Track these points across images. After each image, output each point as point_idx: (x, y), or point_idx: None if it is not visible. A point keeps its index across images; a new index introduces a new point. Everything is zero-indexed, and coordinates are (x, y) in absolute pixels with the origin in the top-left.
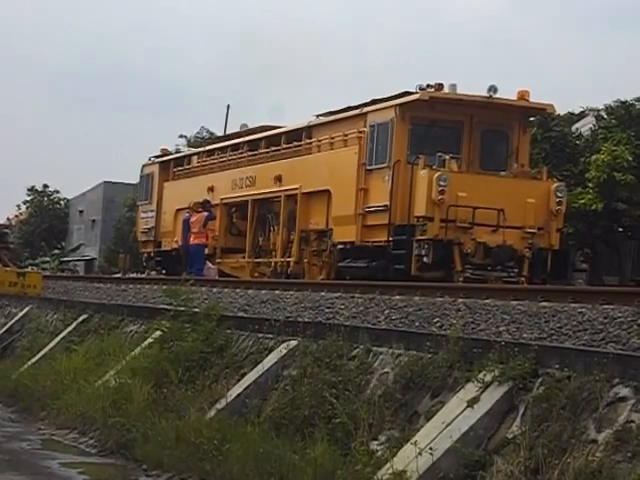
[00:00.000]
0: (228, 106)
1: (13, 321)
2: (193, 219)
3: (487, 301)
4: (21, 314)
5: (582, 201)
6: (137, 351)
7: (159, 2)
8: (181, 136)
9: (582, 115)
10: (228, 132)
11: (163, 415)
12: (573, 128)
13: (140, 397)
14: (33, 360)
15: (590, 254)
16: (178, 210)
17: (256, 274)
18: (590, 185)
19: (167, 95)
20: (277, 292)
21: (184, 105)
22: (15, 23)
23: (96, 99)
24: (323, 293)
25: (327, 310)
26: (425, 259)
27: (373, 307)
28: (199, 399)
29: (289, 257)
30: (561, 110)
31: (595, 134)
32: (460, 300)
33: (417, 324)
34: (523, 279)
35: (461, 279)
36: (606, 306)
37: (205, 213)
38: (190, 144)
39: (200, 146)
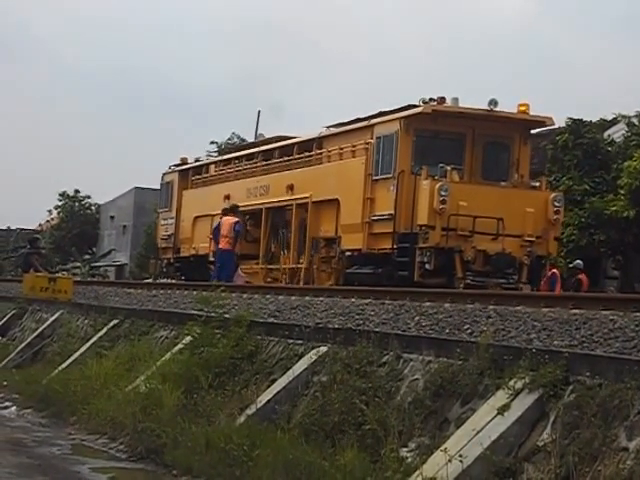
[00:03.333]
0: (259, 112)
1: (44, 326)
2: (223, 223)
3: (518, 308)
4: (52, 319)
5: (614, 208)
6: (167, 356)
7: (191, 8)
8: (212, 142)
9: (614, 122)
10: (257, 139)
11: (193, 421)
12: (605, 135)
13: (170, 403)
14: (64, 365)
15: (622, 261)
16: (196, 217)
17: (269, 279)
18: (622, 192)
19: (199, 101)
20: (307, 298)
21: (216, 111)
22: (50, 26)
23: (129, 104)
24: (353, 299)
25: (357, 316)
26: (427, 266)
27: (403, 313)
28: (229, 405)
29: (300, 264)
30: (593, 117)
31: (628, 141)
32: (491, 307)
33: (447, 331)
34: (522, 285)
35: (462, 285)
36: (638, 313)
37: (235, 219)
38: (221, 150)
39: (221, 154)
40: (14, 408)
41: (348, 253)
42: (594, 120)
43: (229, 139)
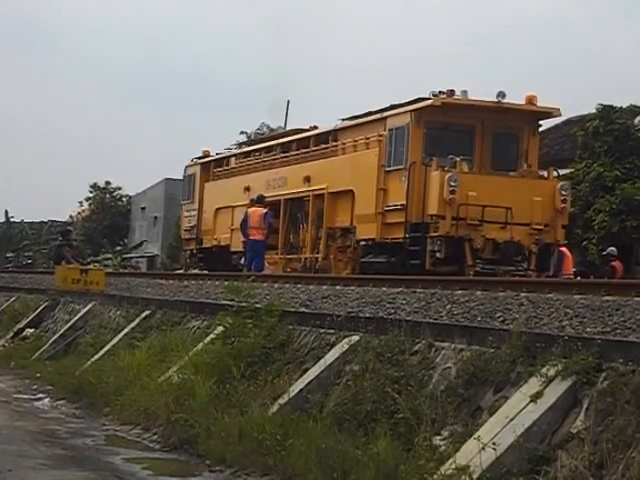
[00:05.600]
0: (288, 102)
1: (76, 317)
2: (250, 213)
3: (550, 295)
4: (84, 310)
5: None
6: (199, 347)
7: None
8: (242, 132)
9: None
10: (288, 128)
11: (226, 411)
12: (636, 121)
13: (203, 393)
14: (96, 356)
15: None
16: (218, 209)
17: (288, 269)
18: None
19: (229, 91)
20: (338, 287)
21: (247, 101)
22: (80, 20)
23: (159, 96)
24: (384, 288)
25: (389, 305)
26: (438, 254)
27: (435, 302)
28: (261, 394)
29: (317, 253)
30: (624, 102)
31: None
32: (523, 294)
33: (479, 319)
34: (530, 272)
35: (472, 273)
36: None
37: (264, 210)
38: (249, 141)
39: (249, 145)
40: (48, 399)
41: (363, 243)
42: (624, 106)
43: (258, 129)
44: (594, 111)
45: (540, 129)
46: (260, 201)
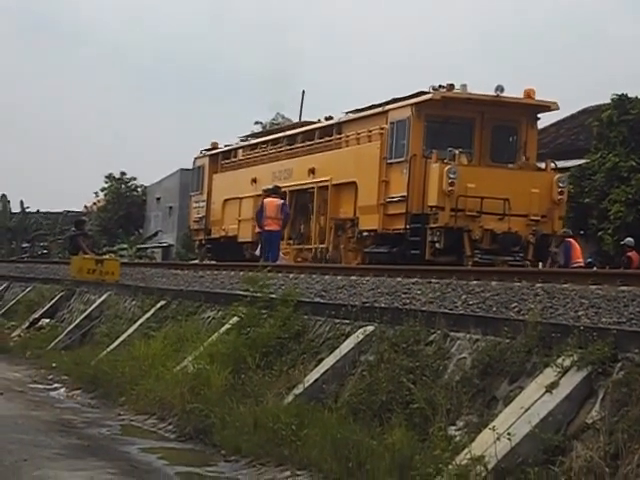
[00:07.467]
0: (303, 92)
1: (92, 308)
2: (266, 203)
3: (565, 285)
4: (99, 301)
5: None
6: (215, 337)
7: None
8: (257, 122)
9: None
10: (303, 119)
11: (241, 401)
12: None
13: (218, 383)
14: (112, 346)
15: None
16: (226, 200)
17: (299, 259)
18: None
19: (246, 81)
20: (353, 278)
21: (262, 91)
22: (97, 9)
23: (174, 86)
24: (399, 279)
25: (404, 295)
26: (438, 245)
27: (450, 292)
28: (277, 384)
29: (325, 244)
30: (639, 92)
31: None
32: (538, 285)
33: (494, 309)
34: (528, 263)
35: (470, 263)
36: None
37: (280, 201)
38: (256, 133)
39: (265, 135)
40: (63, 389)
41: (365, 233)
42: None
43: (273, 119)
44: (608, 101)
45: (538, 122)
46: (276, 192)
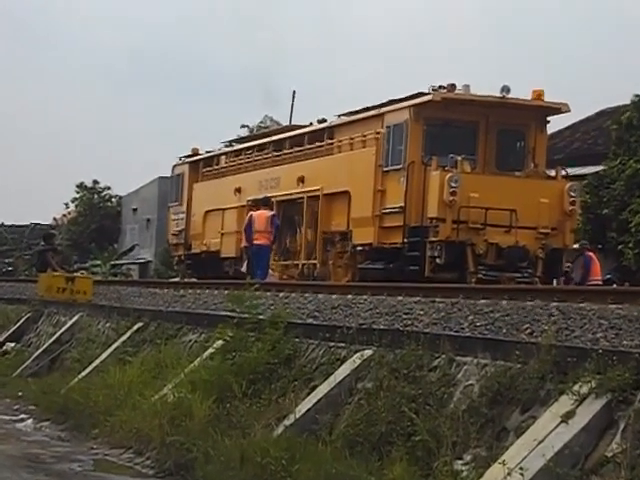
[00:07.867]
0: (294, 92)
1: (62, 330)
2: (256, 216)
3: (582, 305)
4: (70, 323)
5: None
6: (197, 362)
7: None
8: (243, 126)
9: None
10: (294, 122)
11: (226, 433)
12: None
13: (201, 413)
14: (84, 373)
15: None
16: (207, 212)
17: (285, 276)
18: None
19: (230, 82)
20: (349, 297)
21: (248, 92)
22: (70, 7)
23: (150, 86)
24: (400, 297)
25: (405, 316)
26: (438, 260)
27: (456, 312)
28: (265, 415)
29: (314, 259)
30: None
31: None
32: (553, 304)
33: (504, 331)
34: (537, 280)
35: (474, 280)
36: None
37: (270, 213)
38: (241, 138)
39: (235, 143)
40: (30, 421)
41: (359, 248)
42: None
43: (261, 122)
44: (628, 102)
45: (549, 125)
46: (266, 203)
